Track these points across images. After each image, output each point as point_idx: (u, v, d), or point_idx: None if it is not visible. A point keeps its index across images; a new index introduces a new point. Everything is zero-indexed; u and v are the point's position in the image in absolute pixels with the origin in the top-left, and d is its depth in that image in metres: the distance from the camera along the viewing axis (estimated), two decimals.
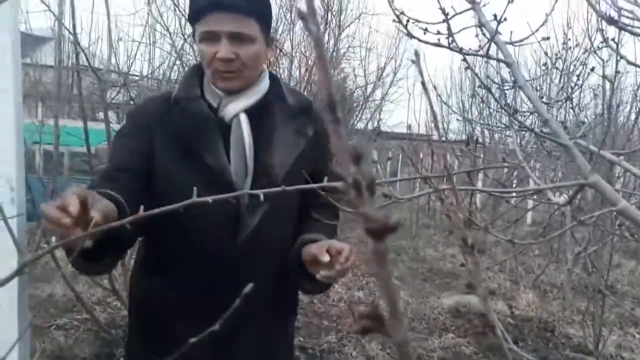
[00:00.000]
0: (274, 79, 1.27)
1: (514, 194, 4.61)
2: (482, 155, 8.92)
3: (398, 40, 8.07)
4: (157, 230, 1.12)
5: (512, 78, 1.54)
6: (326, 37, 7.14)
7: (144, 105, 1.23)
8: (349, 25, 7.96)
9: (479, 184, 8.01)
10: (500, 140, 8.74)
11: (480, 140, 9.22)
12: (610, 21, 0.88)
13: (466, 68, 1.25)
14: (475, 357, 3.58)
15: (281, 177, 1.14)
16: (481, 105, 8.81)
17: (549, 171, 5.87)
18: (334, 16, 7.41)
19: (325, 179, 0.96)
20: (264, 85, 1.23)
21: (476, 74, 1.30)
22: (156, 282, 1.18)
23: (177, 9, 3.94)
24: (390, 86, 8.59)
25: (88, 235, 0.73)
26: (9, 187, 0.84)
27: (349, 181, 0.17)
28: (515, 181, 8.03)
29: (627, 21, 0.94)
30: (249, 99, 1.19)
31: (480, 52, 1.52)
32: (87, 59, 1.93)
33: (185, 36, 4.01)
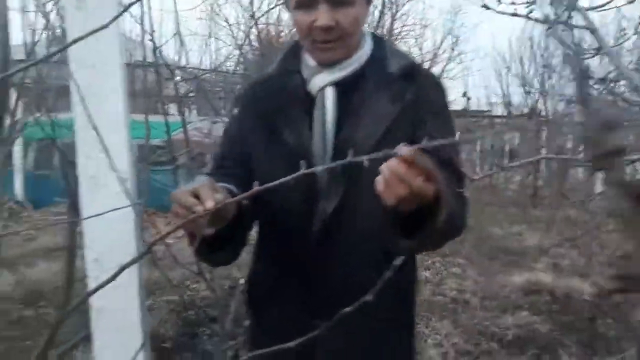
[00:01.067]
0: (378, 41, 1.14)
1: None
2: (545, 129, 8.59)
3: (454, 14, 7.82)
4: (256, 215, 1.10)
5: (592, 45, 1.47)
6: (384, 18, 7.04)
7: (246, 88, 1.22)
8: (404, 4, 7.81)
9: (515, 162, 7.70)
10: (565, 111, 8.35)
11: (544, 113, 8.85)
12: None
13: (548, 35, 1.21)
14: (552, 335, 3.49)
15: (365, 153, 1.03)
16: (544, 76, 8.43)
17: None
18: None
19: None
20: (363, 52, 1.10)
21: (562, 42, 1.25)
22: (258, 267, 1.18)
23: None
24: (447, 63, 8.38)
25: (221, 205, 0.75)
26: (122, 180, 0.91)
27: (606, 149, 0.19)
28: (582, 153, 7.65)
29: None
30: (342, 70, 1.08)
31: (559, 21, 1.47)
32: (160, 55, 2.00)
33: (245, 27, 4.08)
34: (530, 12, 1.32)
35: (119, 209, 0.82)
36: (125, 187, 0.87)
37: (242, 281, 4.27)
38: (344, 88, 1.07)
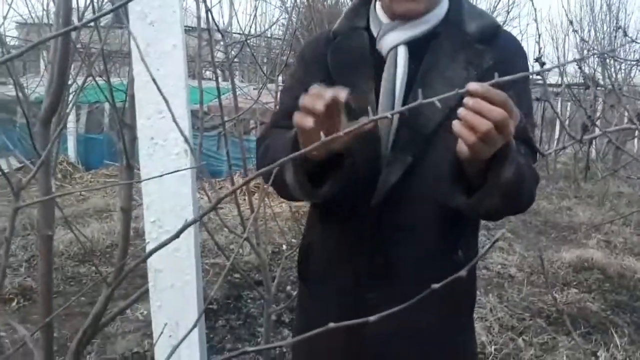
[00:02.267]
0: (455, 0, 1.05)
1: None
2: (602, 97, 8.14)
3: None
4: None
5: None
6: None
7: (308, 45, 1.14)
8: None
9: (596, 131, 7.35)
10: (626, 81, 7.88)
11: (602, 83, 8.39)
12: None
13: None
14: (603, 314, 3.38)
15: (432, 125, 0.95)
16: (604, 42, 7.95)
17: None
18: None
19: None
20: (441, 10, 1.01)
21: None
22: (314, 236, 1.12)
23: None
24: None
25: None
26: (182, 140, 0.89)
27: None
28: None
29: None
30: (417, 27, 0.99)
31: None
32: (212, 18, 1.96)
33: None
34: None
35: (180, 170, 0.81)
36: (189, 148, 0.85)
37: (284, 247, 4.33)
38: (415, 49, 0.99)
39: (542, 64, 1.12)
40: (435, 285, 0.39)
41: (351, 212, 1.01)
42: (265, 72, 5.05)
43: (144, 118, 0.97)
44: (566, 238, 5.19)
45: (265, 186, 2.05)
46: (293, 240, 4.39)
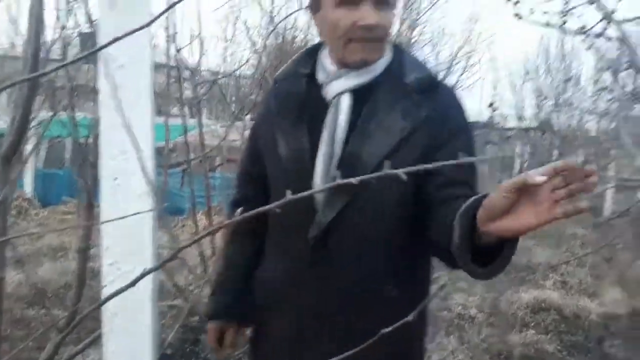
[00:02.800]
0: (396, 50, 1.11)
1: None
2: (558, 142, 8.53)
3: (473, 24, 7.83)
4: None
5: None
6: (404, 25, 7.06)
7: (269, 89, 1.22)
8: (424, 13, 7.81)
9: None
10: (579, 126, 8.29)
11: (557, 127, 8.80)
12: None
13: (588, 48, 1.19)
14: (559, 355, 3.44)
15: (371, 168, 0.98)
16: (559, 89, 8.40)
17: None
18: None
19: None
20: (385, 60, 1.07)
21: (598, 54, 1.24)
22: (262, 273, 1.16)
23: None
24: (463, 72, 8.36)
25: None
26: (145, 181, 0.89)
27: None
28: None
29: None
30: (362, 76, 1.04)
31: (589, 32, 1.45)
32: (181, 57, 1.99)
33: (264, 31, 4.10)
34: (564, 22, 1.30)
35: (141, 212, 0.80)
36: (151, 190, 0.85)
37: None
38: (358, 96, 1.04)
39: (494, 109, 1.21)
40: (385, 330, 0.41)
41: (290, 247, 1.07)
42: (233, 110, 5.09)
43: (108, 158, 0.97)
44: (524, 279, 5.30)
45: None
46: None
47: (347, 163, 1.00)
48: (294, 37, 6.20)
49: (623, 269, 5.19)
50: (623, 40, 1.19)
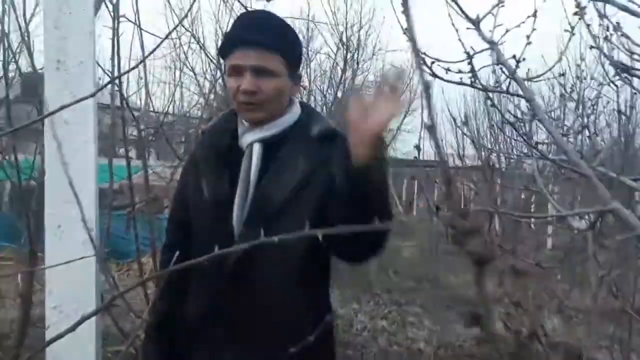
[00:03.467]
0: (305, 109, 1.33)
1: (533, 219, 4.63)
2: (499, 181, 8.94)
3: (412, 72, 8.25)
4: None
5: (531, 112, 1.63)
6: (345, 74, 7.40)
7: (194, 145, 1.41)
8: (365, 62, 8.20)
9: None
10: (517, 165, 8.75)
11: (497, 166, 9.25)
12: (624, 69, 0.97)
13: (492, 106, 1.35)
14: None
15: (279, 203, 1.18)
16: (496, 132, 8.89)
17: (568, 195, 5.87)
18: (352, 52, 7.69)
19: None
20: (290, 117, 1.28)
21: (500, 110, 1.40)
22: (187, 305, 1.26)
23: (202, 50, 4.14)
24: (405, 116, 8.74)
25: None
26: (87, 229, 0.94)
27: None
28: (533, 206, 7.99)
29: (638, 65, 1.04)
30: (269, 130, 1.25)
31: (500, 89, 1.63)
32: (126, 100, 2.05)
33: (210, 76, 4.20)
34: (473, 81, 1.46)
35: (85, 257, 0.86)
36: (91, 237, 0.91)
37: None
38: (270, 146, 1.24)
39: (419, 150, 1.40)
40: (293, 350, 0.49)
41: (208, 283, 1.20)
42: (180, 151, 5.11)
43: (51, 207, 1.02)
44: (470, 312, 5.46)
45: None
46: None
47: (259, 200, 1.19)
48: None
49: (561, 299, 5.44)
50: (526, 97, 1.37)
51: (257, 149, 1.24)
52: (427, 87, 0.32)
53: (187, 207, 1.29)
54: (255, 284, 1.17)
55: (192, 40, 4.04)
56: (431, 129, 0.28)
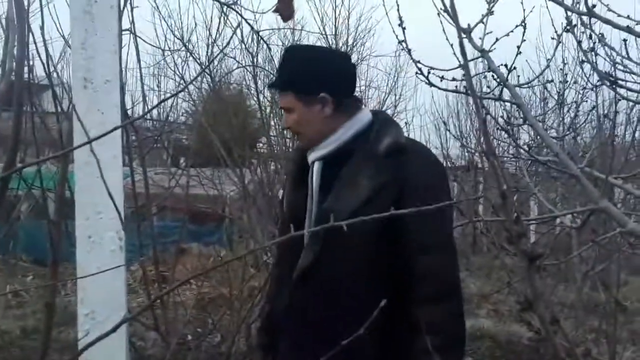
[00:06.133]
0: (378, 119, 1.34)
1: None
2: (482, 180, 9.12)
3: (396, 75, 8.37)
4: None
5: (522, 117, 1.73)
6: None
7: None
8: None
9: (480, 209, 8.17)
10: (500, 165, 8.91)
11: (480, 165, 9.44)
12: (611, 82, 1.06)
13: (486, 114, 1.43)
14: None
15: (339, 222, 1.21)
16: (479, 132, 9.09)
17: (551, 192, 6.03)
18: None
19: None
20: (343, 132, 1.31)
21: (493, 117, 1.48)
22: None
23: (190, 55, 4.17)
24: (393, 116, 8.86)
25: None
26: (117, 237, 1.00)
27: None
28: (515, 204, 8.12)
29: (621, 75, 1.13)
30: (323, 149, 1.32)
31: (492, 95, 1.71)
32: (125, 111, 2.09)
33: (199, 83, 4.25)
34: (456, 87, 1.55)
35: (117, 267, 0.91)
36: (121, 247, 0.97)
37: (189, 337, 4.19)
38: (331, 163, 1.31)
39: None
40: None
41: (285, 285, 1.33)
42: (171, 155, 5.14)
43: (83, 219, 1.07)
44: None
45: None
46: (199, 329, 4.26)
47: (322, 217, 1.26)
48: (230, 85, 6.39)
49: (547, 294, 5.58)
50: (517, 103, 1.45)
51: (316, 167, 1.32)
52: (483, 121, 0.39)
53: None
54: (322, 287, 1.26)
55: (183, 48, 4.07)
56: (491, 155, 0.35)
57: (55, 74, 2.53)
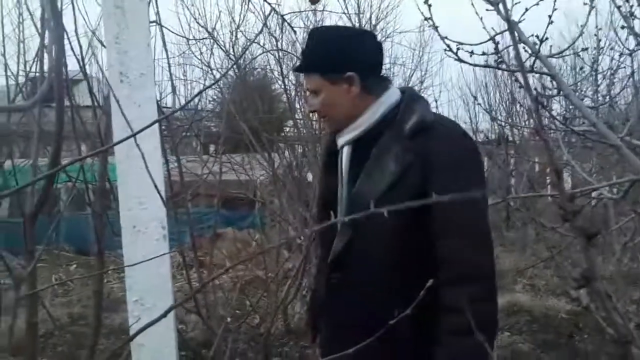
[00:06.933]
0: (406, 97, 1.31)
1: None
2: (513, 154, 8.94)
3: (421, 51, 8.20)
4: None
5: (556, 87, 1.68)
6: None
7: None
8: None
9: (512, 182, 8.02)
10: (531, 138, 8.73)
11: (511, 138, 9.24)
12: None
13: (520, 87, 1.40)
14: (534, 354, 3.65)
15: (365, 208, 1.17)
16: (509, 105, 8.90)
17: (586, 163, 5.88)
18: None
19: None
20: (370, 114, 1.29)
21: (528, 90, 1.44)
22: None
23: (216, 43, 4.19)
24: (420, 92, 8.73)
25: None
26: (161, 227, 1.03)
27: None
28: (548, 178, 7.98)
29: None
30: (351, 133, 1.31)
31: (525, 68, 1.67)
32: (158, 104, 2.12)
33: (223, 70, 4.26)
34: (488, 61, 1.51)
35: (163, 254, 0.95)
36: (165, 235, 1.00)
37: (229, 319, 4.30)
38: (360, 145, 1.30)
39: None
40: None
41: (320, 273, 1.41)
42: (201, 143, 5.21)
43: (126, 209, 1.11)
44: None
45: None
46: (237, 311, 4.36)
47: (352, 201, 1.29)
48: (254, 70, 6.41)
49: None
50: (551, 74, 1.42)
51: (346, 151, 1.33)
52: (535, 99, 0.39)
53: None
54: (355, 270, 1.28)
55: (208, 37, 4.09)
56: (544, 134, 0.34)
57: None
